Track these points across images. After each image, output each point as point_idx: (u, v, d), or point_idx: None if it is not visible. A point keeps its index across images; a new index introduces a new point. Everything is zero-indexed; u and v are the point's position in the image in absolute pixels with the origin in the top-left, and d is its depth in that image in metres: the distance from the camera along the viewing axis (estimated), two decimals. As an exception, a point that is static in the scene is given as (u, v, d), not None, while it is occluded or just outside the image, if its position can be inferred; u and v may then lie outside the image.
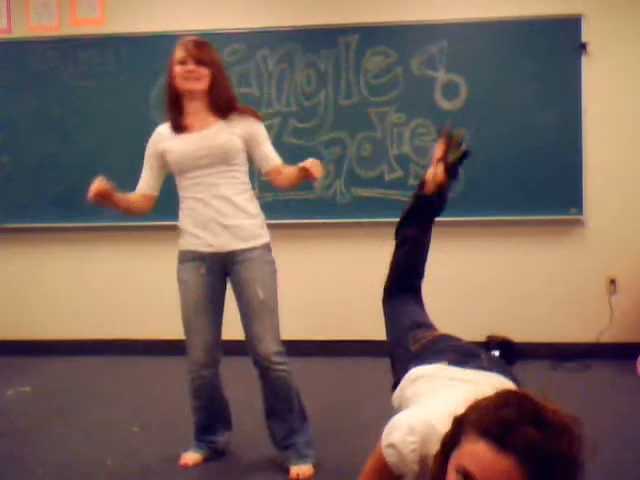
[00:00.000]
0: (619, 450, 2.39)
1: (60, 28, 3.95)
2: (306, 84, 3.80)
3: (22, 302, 4.12)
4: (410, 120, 3.75)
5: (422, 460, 1.27)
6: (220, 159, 2.23)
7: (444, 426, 1.20)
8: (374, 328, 3.92)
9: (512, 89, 3.69)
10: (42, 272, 4.09)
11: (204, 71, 2.17)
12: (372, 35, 3.75)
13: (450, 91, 3.71)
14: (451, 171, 2.15)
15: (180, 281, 2.31)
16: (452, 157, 2.12)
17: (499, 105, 3.70)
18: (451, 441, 1.16)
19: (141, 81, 3.79)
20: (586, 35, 3.62)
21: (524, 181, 3.68)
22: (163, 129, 2.32)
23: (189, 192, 2.26)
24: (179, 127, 2.25)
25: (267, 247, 2.31)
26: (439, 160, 2.18)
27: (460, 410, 1.16)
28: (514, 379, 1.53)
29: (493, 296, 3.80)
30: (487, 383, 1.34)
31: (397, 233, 2.28)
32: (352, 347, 3.87)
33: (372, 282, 3.92)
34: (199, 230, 2.25)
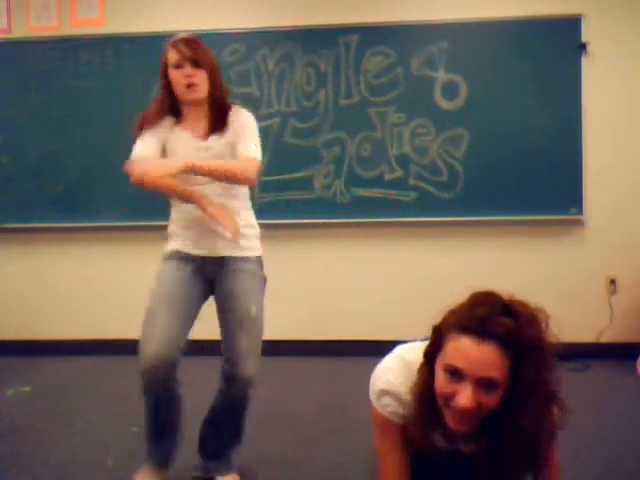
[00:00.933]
0: (619, 450, 2.39)
1: (60, 28, 3.94)
2: (306, 84, 3.80)
3: (22, 302, 4.12)
4: (410, 120, 3.75)
5: (409, 389, 1.33)
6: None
7: (413, 354, 1.33)
8: (374, 328, 3.95)
9: (512, 89, 3.69)
10: (42, 272, 4.10)
11: (202, 75, 2.05)
12: (372, 35, 3.75)
13: (450, 91, 3.71)
14: None
15: (158, 275, 2.08)
16: None
17: (499, 105, 3.70)
18: (433, 349, 1.26)
19: (141, 81, 3.78)
20: (586, 35, 3.62)
21: (524, 181, 3.69)
22: None
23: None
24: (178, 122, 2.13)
25: (261, 261, 2.16)
26: None
27: (414, 352, 1.31)
28: None
29: (493, 296, 3.80)
30: None
31: None
32: (352, 347, 3.87)
33: (372, 282, 3.95)
34: (191, 233, 2.09)
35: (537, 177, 3.68)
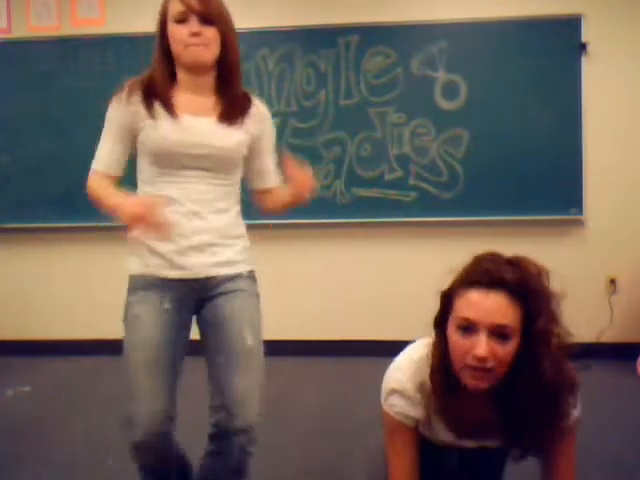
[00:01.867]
0: (619, 450, 2.39)
1: (60, 28, 3.94)
2: (306, 84, 3.80)
3: (22, 302, 4.12)
4: (410, 120, 3.75)
5: (421, 386, 1.32)
6: (223, 166, 1.62)
7: (421, 350, 1.35)
8: (374, 328, 3.95)
9: (512, 89, 3.69)
10: (42, 272, 4.10)
11: (212, 33, 1.55)
12: (372, 35, 3.75)
13: (450, 91, 3.71)
14: None
15: (130, 318, 1.58)
16: None
17: (499, 105, 3.70)
18: (443, 314, 1.27)
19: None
20: (586, 35, 3.62)
21: (524, 181, 3.68)
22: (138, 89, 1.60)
23: (156, 188, 1.60)
24: (169, 106, 1.58)
25: (254, 276, 1.71)
26: None
27: (421, 349, 1.34)
28: None
29: (493, 296, 3.80)
30: None
31: None
32: (352, 347, 3.87)
33: (372, 282, 3.95)
34: (166, 246, 1.56)
35: (537, 177, 3.68)
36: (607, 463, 2.29)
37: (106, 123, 1.68)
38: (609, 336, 3.72)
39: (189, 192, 1.58)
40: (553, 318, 1.24)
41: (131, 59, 3.86)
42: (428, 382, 1.30)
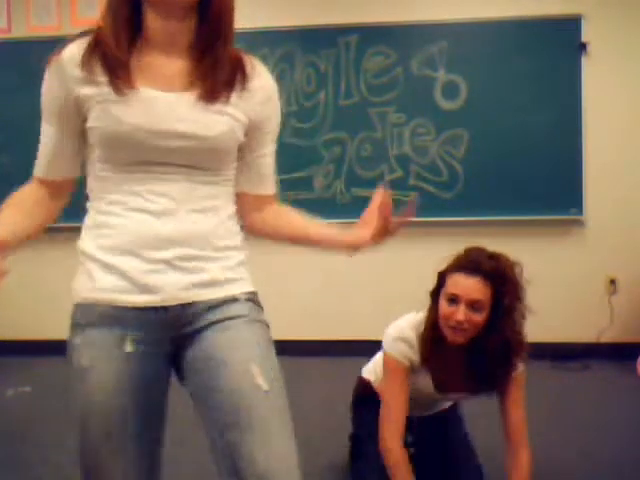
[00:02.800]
0: (619, 450, 2.39)
1: (60, 28, 3.94)
2: (306, 84, 3.80)
3: (22, 302, 4.12)
4: (410, 120, 3.75)
5: (418, 337, 1.76)
6: (209, 161, 1.13)
7: (418, 315, 1.81)
8: (374, 328, 3.93)
9: (512, 89, 3.69)
10: (42, 272, 4.10)
11: None
12: (372, 35, 3.75)
13: (450, 91, 3.71)
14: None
15: (75, 370, 1.08)
16: None
17: (499, 105, 3.70)
18: (438, 288, 1.75)
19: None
20: (586, 35, 3.62)
21: (524, 181, 3.68)
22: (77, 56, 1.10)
23: (115, 185, 1.11)
24: (125, 74, 1.06)
25: (256, 299, 1.22)
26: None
27: (418, 315, 1.81)
28: None
29: (493, 296, 3.80)
30: None
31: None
32: (352, 347, 3.87)
33: (372, 282, 3.94)
34: (128, 259, 1.08)
35: (537, 177, 3.68)
36: (607, 463, 2.29)
37: (42, 107, 1.15)
38: (609, 336, 3.72)
39: (161, 189, 1.09)
40: (517, 298, 1.68)
41: (131, 59, 3.86)
42: (423, 335, 1.76)
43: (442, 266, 1.77)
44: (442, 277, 1.74)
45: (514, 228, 3.77)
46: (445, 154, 3.74)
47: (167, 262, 1.09)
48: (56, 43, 1.18)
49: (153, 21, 1.09)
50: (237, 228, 1.23)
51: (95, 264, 1.10)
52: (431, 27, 3.73)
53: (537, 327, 3.80)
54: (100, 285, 1.09)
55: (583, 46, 3.62)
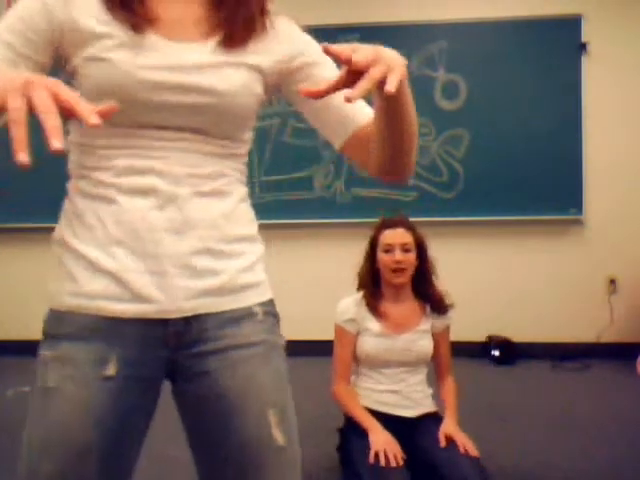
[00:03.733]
0: (619, 450, 2.39)
1: (60, 28, 3.95)
2: (306, 84, 3.80)
3: (22, 302, 4.12)
4: (410, 120, 3.74)
5: (358, 301, 2.13)
6: (223, 124, 0.91)
7: (353, 295, 2.18)
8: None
9: (512, 89, 3.69)
10: (42, 272, 4.08)
11: None
12: (372, 35, 3.74)
13: (450, 91, 3.71)
14: None
15: (40, 391, 0.93)
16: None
17: (499, 105, 3.70)
18: (371, 248, 2.16)
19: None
20: (586, 35, 3.63)
21: (524, 181, 3.69)
22: None
23: (104, 160, 0.90)
24: (138, 16, 0.87)
25: (274, 311, 1.03)
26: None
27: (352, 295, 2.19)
28: None
29: (493, 296, 3.80)
30: None
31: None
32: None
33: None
34: (120, 257, 0.87)
35: (537, 177, 3.68)
36: (607, 463, 2.29)
37: (8, 14, 0.89)
38: (609, 336, 3.72)
39: (162, 165, 0.88)
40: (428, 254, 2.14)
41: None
42: (362, 299, 2.12)
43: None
44: (374, 240, 2.14)
45: (514, 228, 3.77)
46: (445, 154, 3.74)
47: (166, 260, 0.87)
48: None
49: None
50: (251, 214, 0.99)
51: (77, 261, 0.89)
52: (431, 27, 3.73)
53: (537, 327, 3.83)
54: (85, 289, 0.87)
55: (583, 46, 3.62)
